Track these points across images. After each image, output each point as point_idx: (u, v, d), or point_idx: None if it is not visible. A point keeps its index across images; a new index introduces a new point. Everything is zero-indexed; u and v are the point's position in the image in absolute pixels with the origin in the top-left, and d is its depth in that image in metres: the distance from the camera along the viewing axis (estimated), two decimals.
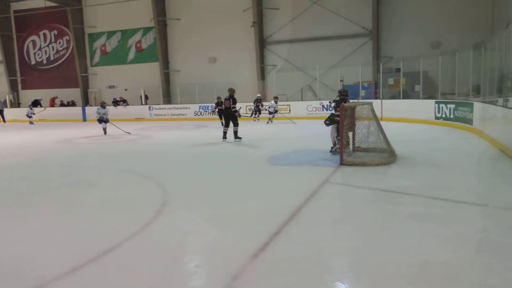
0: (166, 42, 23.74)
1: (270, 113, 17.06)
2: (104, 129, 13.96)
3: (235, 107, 10.91)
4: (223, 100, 11.56)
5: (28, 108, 21.84)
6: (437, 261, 3.21)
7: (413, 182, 5.83)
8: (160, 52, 23.38)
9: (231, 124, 11.07)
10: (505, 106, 8.22)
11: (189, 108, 21.14)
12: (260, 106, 18.37)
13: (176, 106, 21.53)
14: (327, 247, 3.59)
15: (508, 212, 4.35)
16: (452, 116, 12.90)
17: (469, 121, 11.50)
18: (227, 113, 11.02)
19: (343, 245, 3.65)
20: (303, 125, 15.06)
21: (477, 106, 10.95)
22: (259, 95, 18.88)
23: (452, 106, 12.91)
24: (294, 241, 3.73)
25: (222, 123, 13.66)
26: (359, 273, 3.13)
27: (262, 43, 21.77)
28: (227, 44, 22.24)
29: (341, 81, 19.01)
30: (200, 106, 20.87)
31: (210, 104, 20.53)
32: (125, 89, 24.61)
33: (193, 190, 5.80)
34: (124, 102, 22.61)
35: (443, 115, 13.42)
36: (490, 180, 5.93)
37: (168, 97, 23.44)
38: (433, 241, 3.62)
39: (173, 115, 21.33)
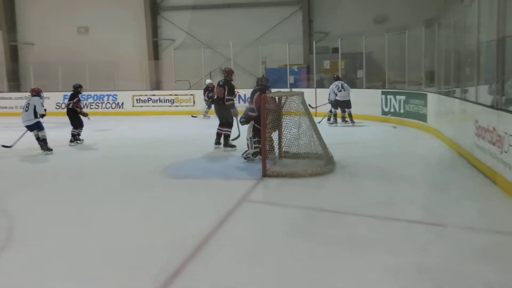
0: (12, 4, 22.43)
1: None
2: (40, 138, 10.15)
3: (232, 99, 9.84)
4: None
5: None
6: None
7: (354, 197, 6.11)
8: (3, 17, 21.99)
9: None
10: (463, 98, 9.00)
11: (49, 98, 19.99)
12: (207, 97, 16.79)
13: (28, 94, 20.22)
14: None
15: (470, 233, 4.74)
16: (402, 111, 13.82)
17: (423, 117, 12.41)
18: (220, 107, 9.97)
19: (264, 287, 3.68)
20: (213, 122, 15.06)
21: (432, 98, 11.86)
22: (209, 81, 17.42)
23: (402, 97, 13.84)
24: (199, 284, 3.69)
25: None
26: None
27: (154, 9, 21.45)
28: (104, 9, 21.57)
29: (262, 63, 19.38)
30: (65, 96, 19.84)
31: (82, 93, 19.68)
32: None
33: (52, 219, 5.51)
34: None
35: (392, 109, 14.33)
36: (447, 193, 6.41)
37: (16, 82, 22.06)
38: (378, 275, 3.80)
39: (23, 108, 20.04)
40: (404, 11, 18.33)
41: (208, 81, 17.44)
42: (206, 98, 16.82)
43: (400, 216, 5.23)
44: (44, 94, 11.27)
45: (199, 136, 11.75)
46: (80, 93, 11.70)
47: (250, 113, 8.47)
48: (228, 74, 10.13)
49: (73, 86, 11.75)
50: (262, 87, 8.72)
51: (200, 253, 4.30)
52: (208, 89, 16.89)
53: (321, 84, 17.74)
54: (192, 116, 17.52)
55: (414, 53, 14.02)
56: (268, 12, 20.55)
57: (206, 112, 17.11)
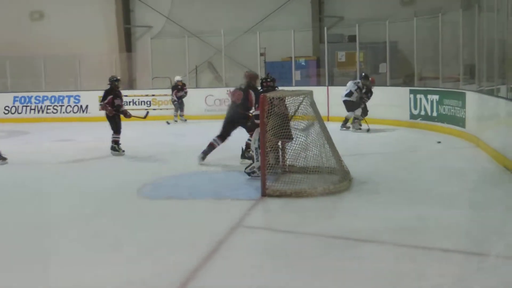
0: None
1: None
2: None
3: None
4: None
5: None
6: None
7: (376, 222, 6.10)
8: None
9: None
10: (510, 98, 9.03)
11: None
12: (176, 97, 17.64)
13: None
14: None
15: None
16: (435, 114, 13.83)
17: (460, 122, 12.44)
18: (235, 114, 9.78)
19: None
20: (200, 129, 15.10)
21: (472, 97, 11.89)
22: (179, 77, 18.00)
23: (436, 97, 13.86)
24: None
25: None
26: None
27: None
28: None
29: (261, 55, 19.38)
30: (15, 98, 19.93)
31: (37, 94, 19.74)
32: None
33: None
34: None
35: (422, 112, 14.35)
36: (490, 215, 6.41)
37: None
38: None
39: None
40: None
41: (177, 77, 17.66)
42: (176, 98, 17.23)
43: (434, 244, 5.24)
44: None
45: (185, 146, 11.75)
46: (117, 88, 11.37)
47: (257, 121, 8.41)
48: (252, 79, 10.01)
49: (109, 79, 11.42)
50: (268, 88, 8.83)
51: None
52: (176, 88, 17.27)
53: (335, 81, 17.78)
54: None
55: (450, 42, 14.07)
56: None
57: (176, 115, 17.75)
